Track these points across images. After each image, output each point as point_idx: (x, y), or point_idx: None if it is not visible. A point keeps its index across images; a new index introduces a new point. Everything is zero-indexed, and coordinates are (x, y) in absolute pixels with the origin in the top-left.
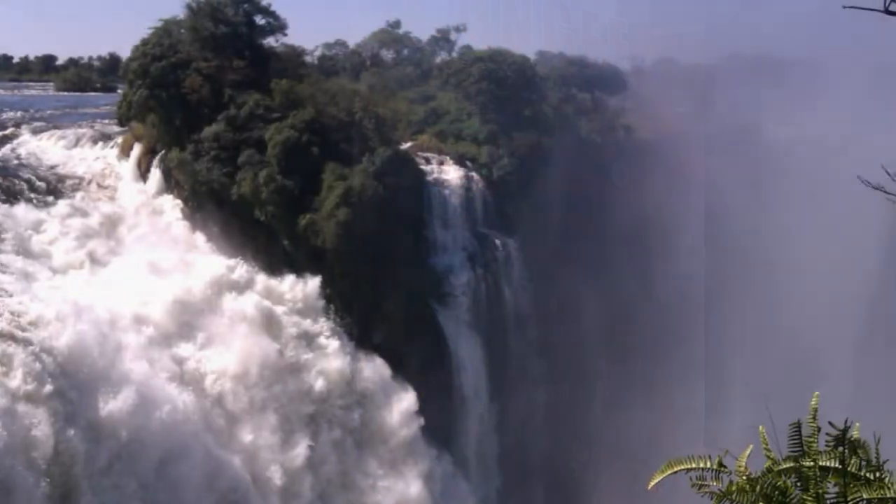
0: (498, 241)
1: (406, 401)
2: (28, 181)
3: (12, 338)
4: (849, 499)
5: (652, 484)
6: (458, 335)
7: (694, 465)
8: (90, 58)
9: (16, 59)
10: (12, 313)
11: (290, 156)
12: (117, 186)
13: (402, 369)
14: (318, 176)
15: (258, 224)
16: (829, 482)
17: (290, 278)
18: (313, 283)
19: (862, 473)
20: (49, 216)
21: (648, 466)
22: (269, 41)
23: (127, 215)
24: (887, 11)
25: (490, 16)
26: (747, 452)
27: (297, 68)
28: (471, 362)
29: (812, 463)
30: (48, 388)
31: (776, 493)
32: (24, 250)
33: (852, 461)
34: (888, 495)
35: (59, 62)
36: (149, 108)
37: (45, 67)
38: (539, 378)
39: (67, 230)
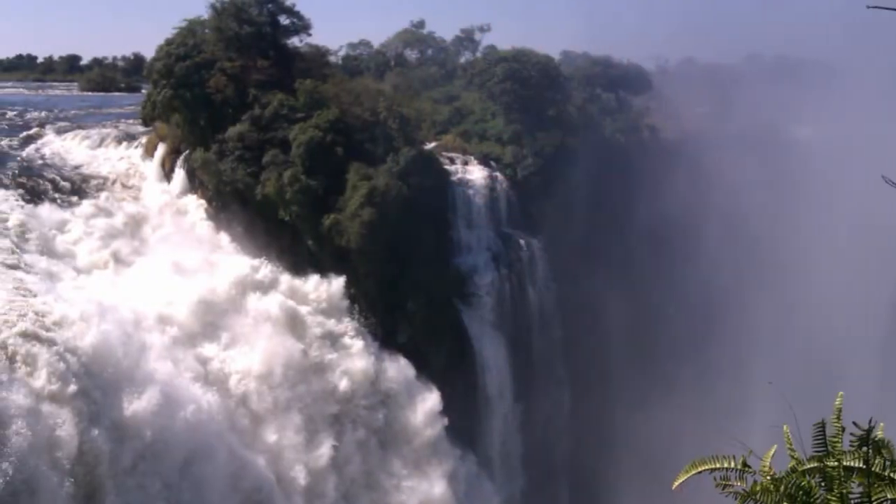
0: (522, 241)
1: (430, 401)
2: (52, 181)
3: (37, 338)
4: (873, 499)
5: (677, 484)
6: (483, 335)
7: (718, 465)
8: (114, 58)
9: (40, 59)
10: (37, 313)
11: (315, 156)
12: (141, 186)
13: (427, 369)
14: (343, 176)
15: (282, 224)
16: (854, 482)
17: (314, 278)
18: (338, 283)
19: (886, 473)
20: (73, 216)
21: (672, 466)
22: (294, 41)
23: (151, 215)
24: None
25: (514, 16)
26: (771, 452)
27: (321, 68)
28: (495, 362)
29: (836, 463)
30: (72, 388)
31: (800, 493)
32: (48, 250)
33: (876, 461)
34: None
35: (84, 62)
36: (173, 108)
37: (69, 67)
38: (563, 378)
39: (92, 230)
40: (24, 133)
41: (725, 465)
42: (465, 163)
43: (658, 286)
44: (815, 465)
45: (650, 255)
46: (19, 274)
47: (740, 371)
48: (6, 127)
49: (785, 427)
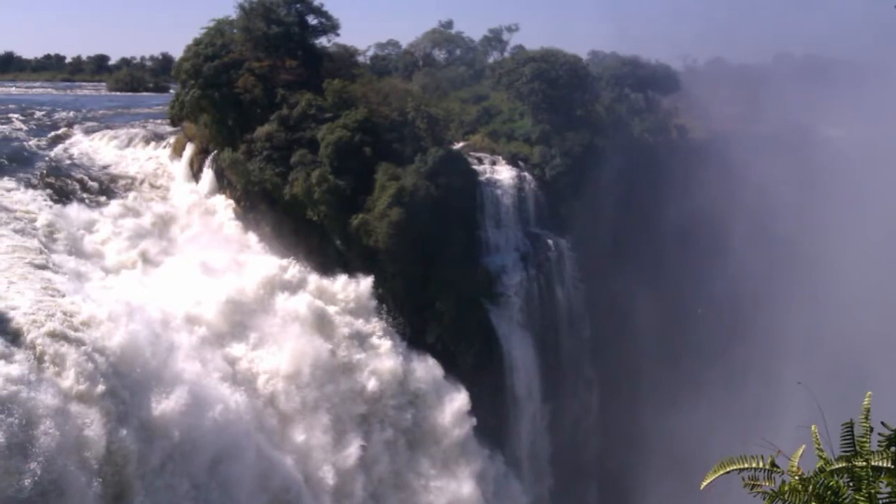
0: (550, 241)
1: (458, 401)
2: (80, 181)
3: (65, 338)
4: None
5: (705, 484)
6: (511, 335)
7: (746, 465)
8: (142, 58)
9: (68, 60)
10: (65, 313)
11: (343, 156)
12: (169, 186)
13: (455, 369)
14: (371, 176)
15: (310, 224)
16: (882, 482)
17: (342, 278)
18: (366, 282)
19: None
20: (101, 216)
21: (700, 466)
22: (322, 41)
23: (179, 215)
24: None
25: (542, 15)
26: (800, 452)
27: (349, 68)
28: (523, 362)
29: (864, 463)
30: (101, 388)
31: (828, 493)
32: (76, 250)
33: None
34: None
35: (112, 62)
36: (201, 108)
37: (97, 67)
38: (591, 378)
39: (120, 230)
40: (53, 133)
41: (754, 464)
42: (494, 163)
43: (687, 286)
44: (844, 465)
45: (679, 255)
46: (47, 274)
47: (769, 371)
48: (34, 127)
49: (813, 427)
